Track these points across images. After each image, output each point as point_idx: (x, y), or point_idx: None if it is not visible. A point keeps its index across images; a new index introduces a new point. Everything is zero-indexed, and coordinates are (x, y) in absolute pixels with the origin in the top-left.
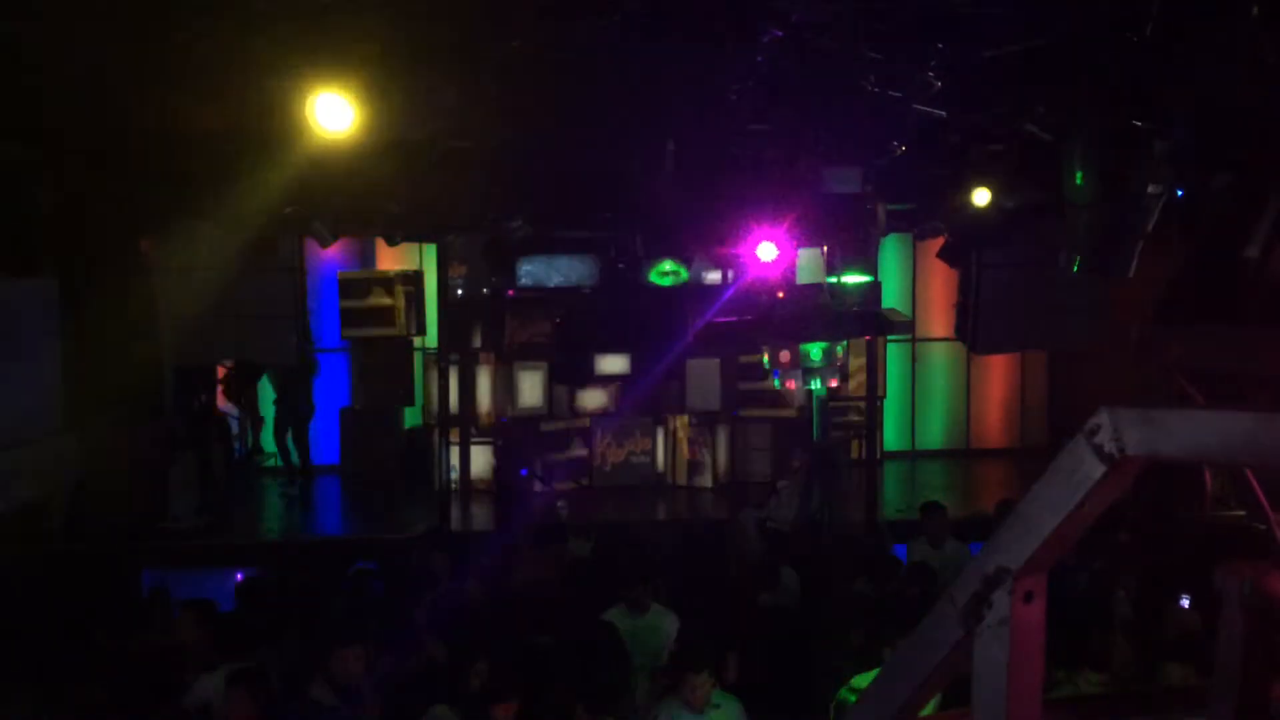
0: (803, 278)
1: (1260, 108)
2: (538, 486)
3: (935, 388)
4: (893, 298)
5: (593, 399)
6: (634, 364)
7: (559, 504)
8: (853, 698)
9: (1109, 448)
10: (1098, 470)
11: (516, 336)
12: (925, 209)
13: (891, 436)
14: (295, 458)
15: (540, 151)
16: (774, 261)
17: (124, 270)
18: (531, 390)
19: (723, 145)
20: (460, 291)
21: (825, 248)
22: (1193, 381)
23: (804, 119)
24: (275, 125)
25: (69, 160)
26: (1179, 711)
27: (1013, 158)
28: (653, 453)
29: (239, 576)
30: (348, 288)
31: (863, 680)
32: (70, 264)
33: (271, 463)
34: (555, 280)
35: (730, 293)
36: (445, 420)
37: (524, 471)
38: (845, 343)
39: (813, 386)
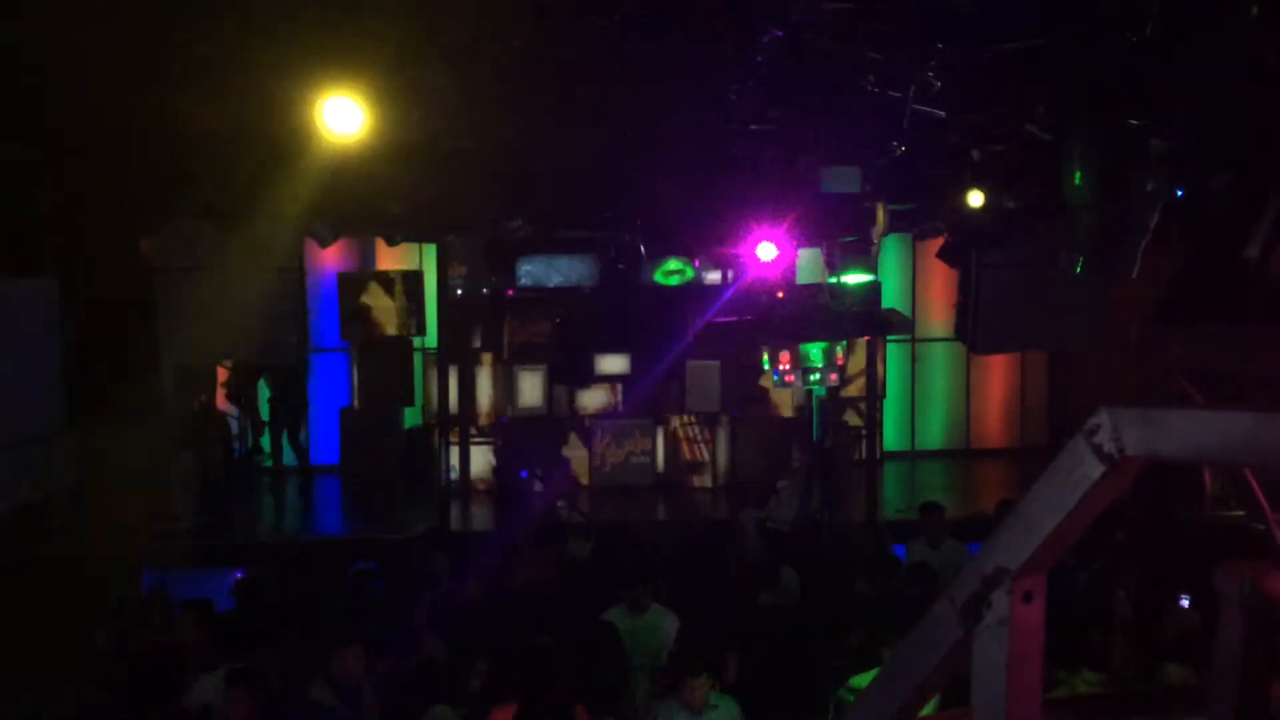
0: (803, 278)
1: (1260, 108)
2: (537, 487)
3: (935, 388)
4: (893, 298)
5: (593, 399)
6: (634, 364)
7: (559, 504)
8: (852, 698)
9: (1108, 447)
10: (1097, 470)
11: (516, 336)
12: (925, 209)
13: (891, 436)
14: (290, 457)
15: (540, 151)
16: (774, 261)
17: (124, 270)
18: (531, 390)
19: (723, 145)
20: (460, 291)
21: (825, 248)
22: (1193, 381)
23: (804, 119)
24: (276, 125)
25: (69, 160)
26: (1179, 711)
27: (1013, 158)
28: (653, 453)
29: (238, 575)
30: (348, 288)
31: (862, 680)
32: (70, 264)
33: (269, 463)
34: (555, 280)
35: (730, 293)
36: (445, 420)
37: (524, 474)
38: (845, 342)
39: (812, 386)
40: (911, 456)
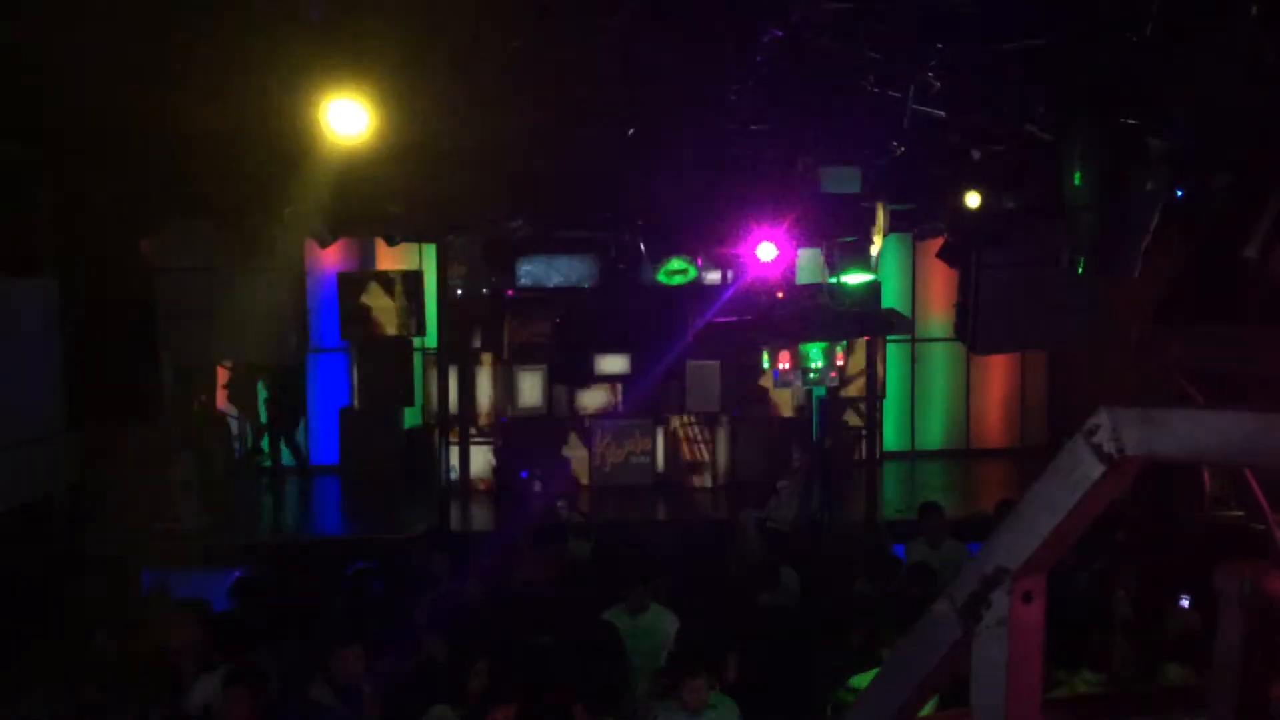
0: (803, 278)
1: (1260, 108)
2: (537, 487)
3: (935, 388)
4: (893, 298)
5: (593, 399)
6: (634, 364)
7: (559, 504)
8: (851, 698)
9: (1108, 447)
10: (1096, 470)
11: (516, 336)
12: (925, 209)
13: (891, 436)
14: (288, 457)
15: (540, 151)
16: (774, 261)
17: (124, 270)
18: (531, 390)
19: (723, 145)
20: (460, 291)
21: (825, 248)
22: (1193, 381)
23: (804, 119)
24: (276, 126)
25: (69, 160)
26: (1179, 711)
27: (1013, 158)
28: (653, 453)
29: (237, 575)
30: (348, 288)
31: (861, 680)
32: (70, 264)
33: (269, 463)
34: (555, 280)
35: (730, 293)
36: (445, 420)
37: (524, 474)
38: (845, 342)
39: (813, 386)
40: (911, 456)
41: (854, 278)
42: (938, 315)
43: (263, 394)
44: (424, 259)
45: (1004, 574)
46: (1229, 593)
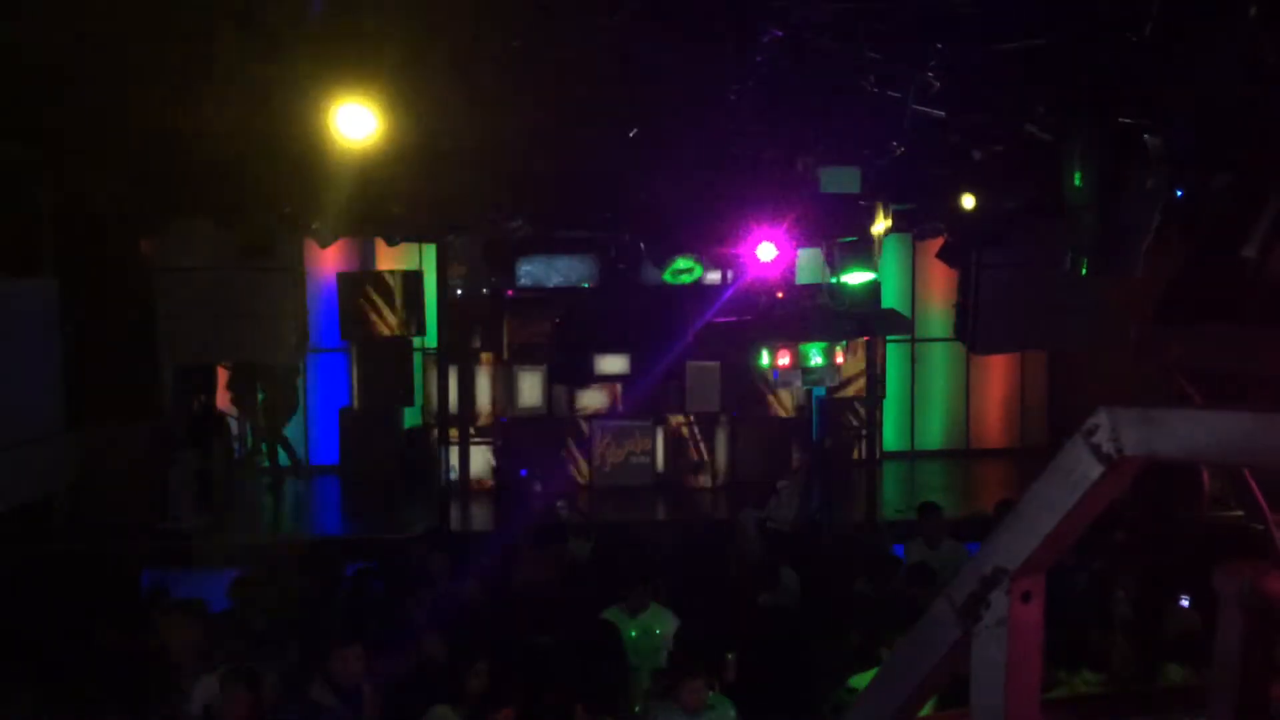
0: (803, 278)
1: (1260, 108)
2: (537, 487)
3: (935, 388)
4: (893, 298)
5: (592, 399)
6: (634, 364)
7: (559, 504)
8: (851, 698)
9: (1107, 448)
10: (1096, 470)
11: (516, 336)
12: (925, 209)
13: (891, 436)
14: (284, 457)
15: (540, 151)
16: (774, 261)
17: (124, 270)
18: (531, 390)
19: (723, 145)
20: (460, 291)
21: (825, 248)
22: (1193, 381)
23: (804, 119)
24: (276, 126)
25: (69, 160)
26: (1179, 711)
27: (1013, 158)
28: (653, 453)
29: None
30: (348, 288)
31: (861, 680)
32: (70, 264)
33: (268, 463)
34: (555, 280)
35: (730, 293)
36: (445, 420)
37: (524, 473)
38: (844, 342)
39: (812, 387)
40: (911, 457)
41: (854, 277)
42: (938, 315)
43: (262, 395)
44: (424, 259)
45: (1003, 574)
46: (1229, 593)
